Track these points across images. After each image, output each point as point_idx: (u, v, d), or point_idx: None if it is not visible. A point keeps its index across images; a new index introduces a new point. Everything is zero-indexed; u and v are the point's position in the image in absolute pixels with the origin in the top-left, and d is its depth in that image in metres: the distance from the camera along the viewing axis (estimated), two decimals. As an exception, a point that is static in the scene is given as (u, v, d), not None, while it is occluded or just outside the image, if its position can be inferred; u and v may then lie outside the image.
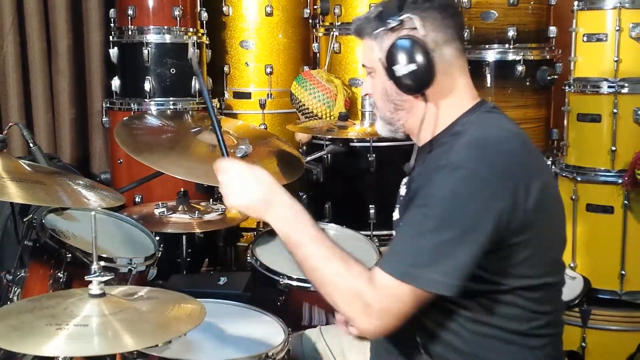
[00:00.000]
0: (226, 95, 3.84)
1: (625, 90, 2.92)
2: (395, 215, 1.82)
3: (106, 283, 1.66)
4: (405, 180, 1.82)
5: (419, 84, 1.65)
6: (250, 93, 3.83)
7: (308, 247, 1.56)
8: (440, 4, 1.67)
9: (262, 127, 3.73)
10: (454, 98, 1.71)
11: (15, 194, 1.92)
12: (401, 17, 1.65)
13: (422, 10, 1.65)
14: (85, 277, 1.65)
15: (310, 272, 1.57)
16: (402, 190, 1.79)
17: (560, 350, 1.74)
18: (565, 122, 3.14)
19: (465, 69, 1.73)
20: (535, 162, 1.64)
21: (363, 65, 1.79)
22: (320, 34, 3.84)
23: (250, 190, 1.62)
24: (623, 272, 2.96)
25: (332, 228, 2.83)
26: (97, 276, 1.63)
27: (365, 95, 1.82)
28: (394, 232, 1.81)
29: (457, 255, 1.48)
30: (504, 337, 1.61)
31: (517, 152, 1.61)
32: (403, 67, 1.63)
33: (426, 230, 1.50)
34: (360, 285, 1.51)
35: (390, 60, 1.65)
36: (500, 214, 1.50)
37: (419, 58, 1.62)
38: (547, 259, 1.63)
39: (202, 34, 3.61)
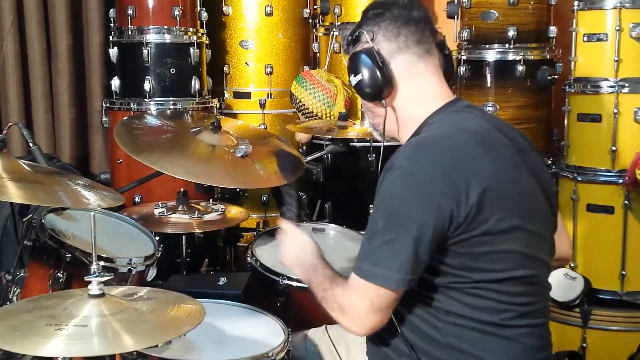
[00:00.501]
0: (226, 95, 3.83)
1: (625, 90, 2.92)
2: None
3: (105, 283, 1.65)
4: None
5: (373, 91, 1.77)
6: (250, 93, 3.82)
7: (314, 282, 1.77)
8: (392, 15, 1.77)
9: (262, 127, 3.72)
10: (420, 101, 1.78)
11: (15, 194, 1.92)
12: (356, 33, 1.80)
13: (374, 24, 1.78)
14: (85, 278, 1.64)
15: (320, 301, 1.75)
16: None
17: (545, 342, 1.76)
18: (566, 122, 3.13)
19: (433, 70, 1.80)
20: (489, 160, 1.65)
21: None
22: (320, 34, 3.83)
23: (296, 256, 1.86)
24: (624, 272, 2.96)
25: (332, 228, 2.83)
26: (96, 276, 1.63)
27: None
28: None
29: (402, 251, 1.57)
30: (478, 327, 1.65)
31: (459, 150, 1.64)
32: (353, 79, 1.78)
33: (376, 230, 1.62)
34: (336, 291, 1.70)
35: (348, 73, 1.81)
36: (440, 209, 1.57)
37: (367, 69, 1.75)
38: (514, 254, 1.66)
39: (202, 34, 3.60)
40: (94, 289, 1.63)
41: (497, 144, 1.71)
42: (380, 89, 1.76)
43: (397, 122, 1.81)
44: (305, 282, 1.82)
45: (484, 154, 1.65)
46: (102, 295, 1.63)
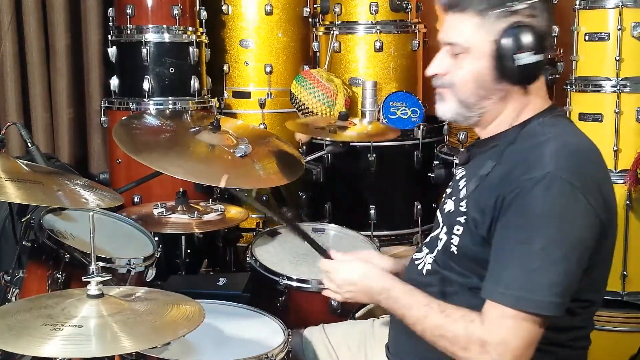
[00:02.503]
0: (225, 95, 3.83)
1: (627, 89, 2.90)
2: (449, 206, 1.71)
3: (104, 283, 1.64)
4: (461, 170, 1.74)
5: (533, 75, 1.59)
6: (249, 92, 3.81)
7: (407, 316, 1.59)
8: None
9: (262, 126, 3.71)
10: (536, 96, 1.65)
11: (13, 194, 1.90)
12: (528, 2, 1.56)
13: None
14: (83, 278, 1.63)
15: (423, 337, 1.56)
16: (462, 182, 1.69)
17: None
18: (567, 121, 3.12)
19: None
20: (607, 176, 1.61)
21: (448, 43, 1.64)
22: (320, 33, 3.82)
23: (350, 288, 1.72)
24: (625, 273, 2.95)
25: (332, 228, 2.82)
26: (95, 277, 1.61)
27: (435, 75, 1.68)
28: (439, 223, 1.74)
29: (567, 274, 1.45)
30: (541, 347, 1.53)
31: (602, 164, 1.59)
32: (528, 56, 1.55)
33: (535, 250, 1.44)
34: (466, 326, 1.49)
35: (512, 46, 1.55)
36: (598, 226, 1.49)
37: (543, 49, 1.56)
38: (603, 279, 1.62)
39: (202, 33, 3.59)
40: (92, 289, 1.61)
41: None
42: (538, 75, 1.60)
43: (506, 110, 1.64)
44: (395, 314, 1.64)
45: (605, 169, 1.60)
46: (100, 295, 1.61)
